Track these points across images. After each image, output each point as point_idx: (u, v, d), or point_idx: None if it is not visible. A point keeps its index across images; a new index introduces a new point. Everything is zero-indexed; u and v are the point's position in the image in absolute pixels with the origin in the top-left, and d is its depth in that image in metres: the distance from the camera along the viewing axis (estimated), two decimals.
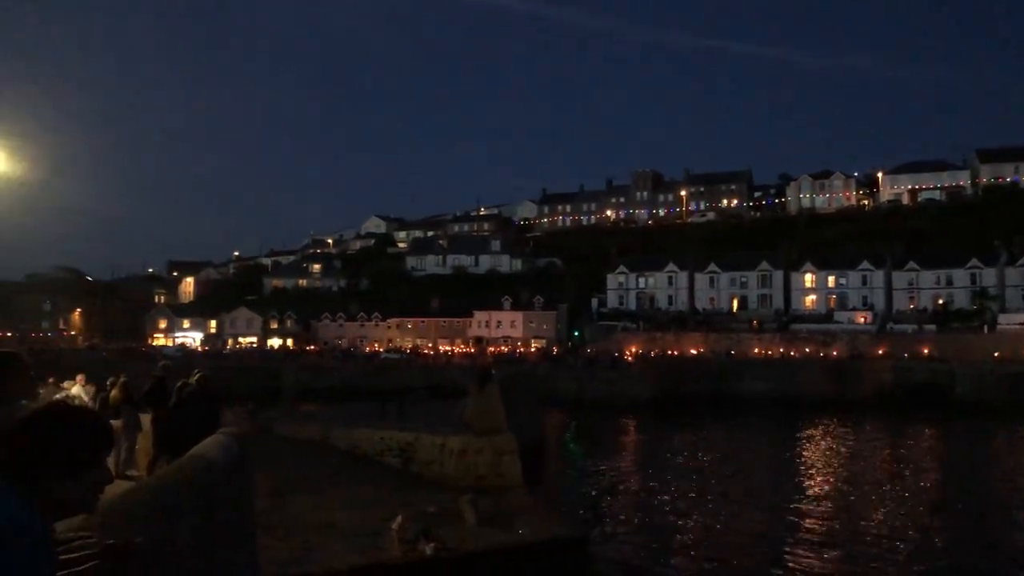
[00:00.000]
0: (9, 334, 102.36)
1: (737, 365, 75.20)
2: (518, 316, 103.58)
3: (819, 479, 33.47)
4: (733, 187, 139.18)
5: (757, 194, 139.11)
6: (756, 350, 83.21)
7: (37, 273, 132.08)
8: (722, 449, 42.51)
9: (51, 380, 15.96)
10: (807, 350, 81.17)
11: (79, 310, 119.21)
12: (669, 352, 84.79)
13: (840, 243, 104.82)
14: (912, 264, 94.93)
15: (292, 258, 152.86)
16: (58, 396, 15.76)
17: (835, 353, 79.13)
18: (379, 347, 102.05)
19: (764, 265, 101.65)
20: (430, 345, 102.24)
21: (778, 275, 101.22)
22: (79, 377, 17.45)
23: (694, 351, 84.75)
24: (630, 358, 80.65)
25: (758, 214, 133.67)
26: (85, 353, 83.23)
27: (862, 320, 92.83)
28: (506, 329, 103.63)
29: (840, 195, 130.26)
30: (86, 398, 15.07)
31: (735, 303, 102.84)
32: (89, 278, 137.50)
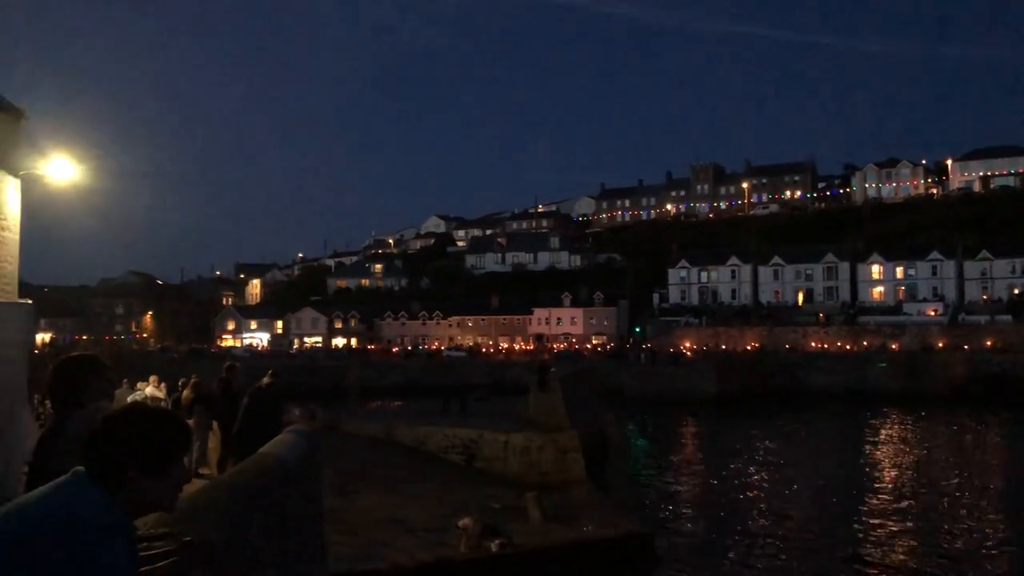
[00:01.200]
0: (85, 337, 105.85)
1: (803, 359, 73.82)
2: (578, 313, 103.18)
3: (890, 474, 32.64)
4: (796, 178, 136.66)
5: (821, 185, 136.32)
6: (823, 344, 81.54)
7: (110, 278, 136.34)
8: (789, 444, 41.75)
9: (125, 382, 16.43)
10: (876, 343, 79.23)
11: (150, 313, 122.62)
12: (733, 347, 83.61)
13: (908, 233, 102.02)
14: (985, 253, 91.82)
15: (355, 258, 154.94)
16: (133, 397, 16.24)
17: (905, 346, 77.08)
18: (440, 345, 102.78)
19: (830, 257, 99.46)
20: (490, 343, 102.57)
21: (844, 267, 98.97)
22: (152, 378, 17.94)
23: (759, 346, 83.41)
24: (693, 354, 79.77)
25: (822, 205, 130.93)
26: (157, 355, 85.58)
27: (932, 312, 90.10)
28: (566, 326, 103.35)
29: (908, 184, 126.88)
30: (160, 397, 15.48)
31: (800, 296, 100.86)
32: (159, 282, 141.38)
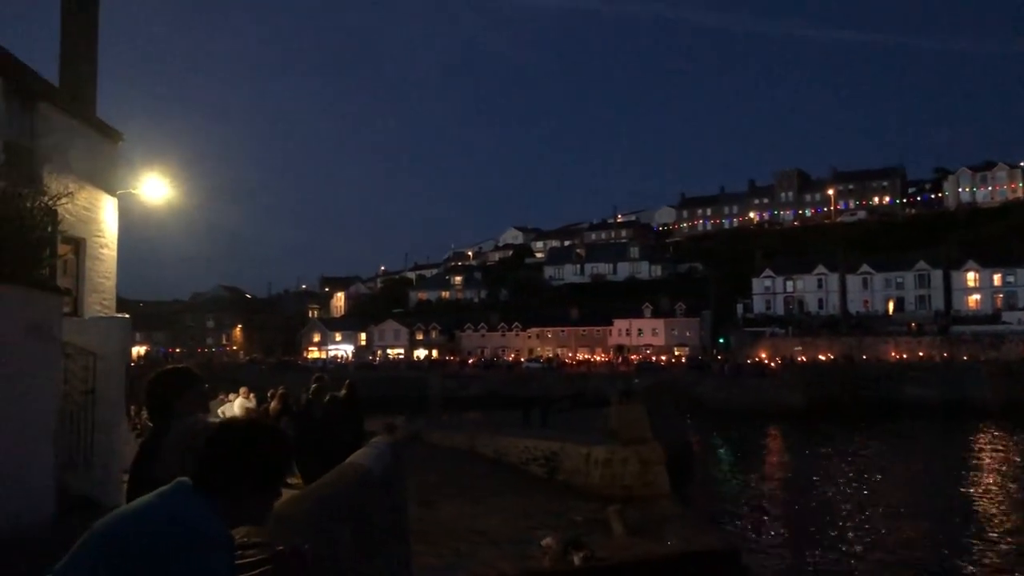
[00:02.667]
0: (178, 350, 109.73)
1: (895, 370, 71.19)
2: (660, 323, 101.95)
3: (990, 494, 31.08)
4: (884, 184, 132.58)
5: (911, 190, 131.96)
6: (915, 354, 78.61)
7: (202, 292, 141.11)
8: (881, 459, 40.27)
9: (222, 396, 16.90)
10: (972, 354, 75.92)
11: (240, 326, 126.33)
12: (821, 358, 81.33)
13: (1006, 238, 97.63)
14: None
15: (435, 271, 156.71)
16: (223, 408, 16.67)
17: (1004, 357, 73.60)
18: (519, 356, 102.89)
19: (921, 264, 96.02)
20: (570, 354, 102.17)
21: (937, 274, 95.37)
22: (242, 390, 18.42)
23: (847, 357, 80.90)
24: (779, 365, 77.91)
25: (913, 211, 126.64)
26: (246, 366, 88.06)
27: None
28: (647, 337, 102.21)
29: (1004, 187, 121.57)
30: (251, 408, 15.85)
31: (891, 305, 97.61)
32: (248, 295, 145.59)
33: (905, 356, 78.71)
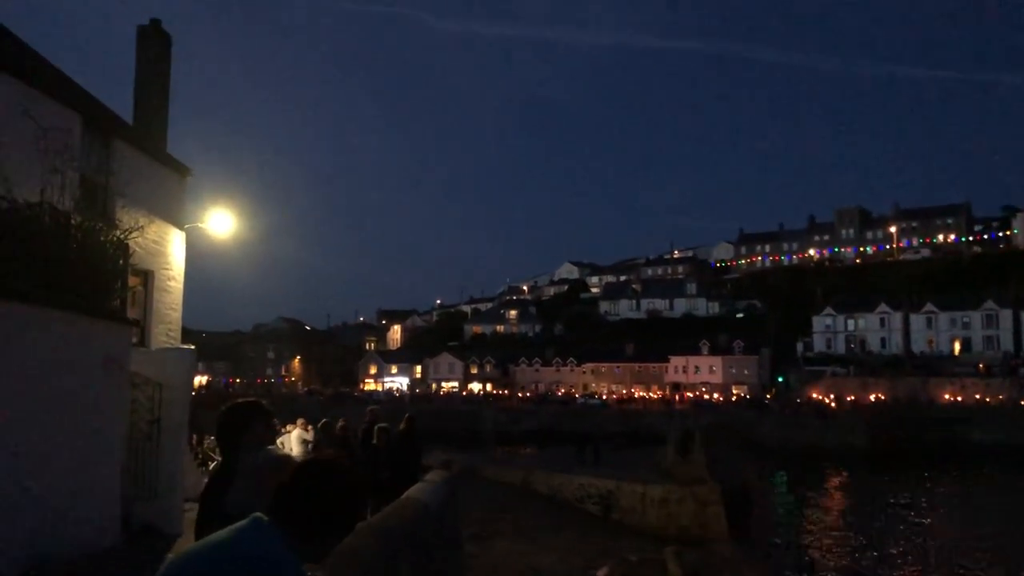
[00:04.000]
0: (238, 380, 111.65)
1: (962, 413, 68.81)
2: (717, 361, 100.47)
3: None
4: (950, 221, 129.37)
5: (977, 228, 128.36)
6: (983, 397, 76.00)
7: (262, 324, 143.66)
8: (949, 505, 38.88)
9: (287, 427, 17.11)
10: None
11: (298, 357, 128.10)
12: (883, 398, 79.16)
13: None
14: None
15: (490, 305, 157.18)
16: (281, 439, 16.87)
17: None
18: (574, 392, 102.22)
19: (989, 304, 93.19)
20: (623, 391, 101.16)
21: (1006, 314, 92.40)
22: (300, 421, 18.62)
23: (912, 397, 78.56)
24: (840, 405, 76.01)
25: (979, 249, 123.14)
26: (304, 397, 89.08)
27: None
28: (704, 375, 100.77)
29: None
30: (308, 440, 16.01)
31: (956, 345, 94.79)
32: (308, 327, 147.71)
33: (975, 398, 76.13)
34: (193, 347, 13.82)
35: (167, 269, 14.98)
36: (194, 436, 17.50)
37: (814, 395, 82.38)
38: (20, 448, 7.52)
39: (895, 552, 27.23)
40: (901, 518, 34.67)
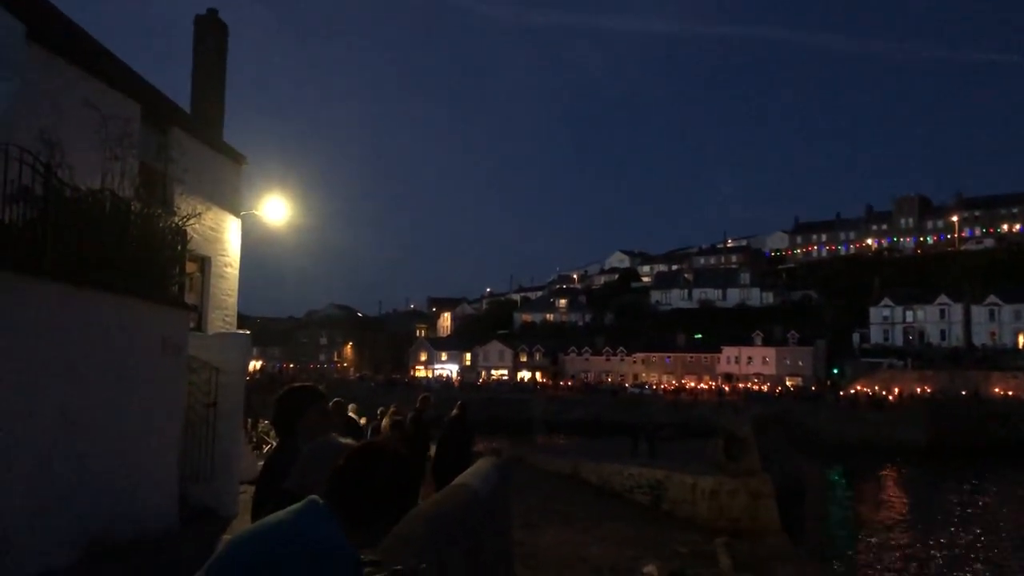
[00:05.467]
0: (291, 365, 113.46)
1: None
2: (771, 352, 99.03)
3: None
4: (1015, 210, 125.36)
5: None
6: None
7: (316, 310, 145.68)
8: (1010, 504, 37.83)
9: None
10: None
11: (350, 343, 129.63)
12: (943, 393, 77.23)
13: None
14: None
15: (540, 293, 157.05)
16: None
17: None
18: (624, 381, 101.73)
19: None
20: (674, 381, 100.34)
21: None
22: (351, 406, 18.82)
23: (973, 392, 76.52)
24: (897, 398, 74.42)
25: None
26: (356, 383, 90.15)
27: None
28: (758, 366, 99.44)
29: None
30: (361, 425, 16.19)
31: (1020, 339, 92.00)
32: (360, 314, 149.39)
33: None
34: (248, 332, 14.04)
35: (223, 255, 15.23)
36: (249, 420, 17.82)
37: (859, 387, 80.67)
38: (82, 431, 7.71)
39: (951, 550, 26.60)
40: (959, 514, 33.84)
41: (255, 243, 17.67)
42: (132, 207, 9.13)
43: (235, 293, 15.81)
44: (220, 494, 11.36)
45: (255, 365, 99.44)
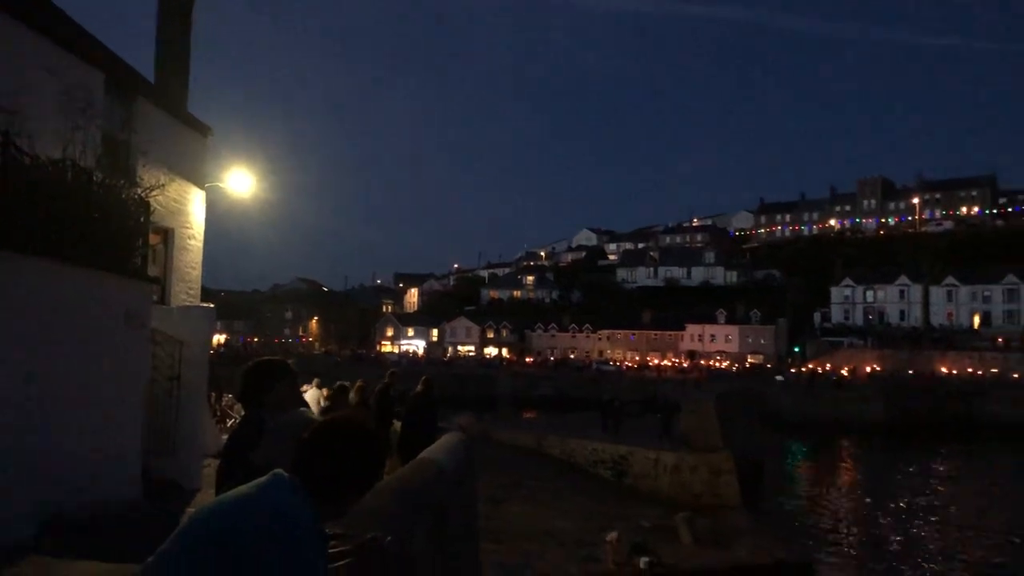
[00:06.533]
0: (256, 339, 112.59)
1: (981, 387, 68.42)
2: (733, 330, 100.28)
3: None
4: (974, 193, 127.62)
5: (1002, 200, 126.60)
6: (1003, 371, 75.47)
7: (281, 284, 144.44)
8: (963, 479, 38.80)
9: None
10: None
11: (316, 318, 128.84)
12: (901, 371, 78.78)
13: None
14: None
15: (507, 270, 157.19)
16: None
17: None
18: (590, 358, 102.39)
19: (1011, 278, 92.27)
20: (638, 358, 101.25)
21: None
22: (315, 380, 18.76)
23: (930, 371, 78.16)
24: (856, 376, 75.77)
25: (1003, 222, 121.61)
26: (321, 358, 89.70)
27: None
28: (720, 343, 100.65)
29: None
30: (322, 401, 16.15)
31: (976, 319, 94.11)
32: (325, 288, 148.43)
33: (993, 372, 75.61)
34: (212, 306, 13.91)
35: (187, 228, 15.04)
36: (213, 394, 17.70)
37: (832, 366, 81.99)
38: (43, 403, 7.63)
39: (907, 524, 27.27)
40: (915, 490, 34.67)
41: (220, 216, 17.48)
42: (94, 177, 8.97)
43: (199, 266, 15.62)
44: (183, 467, 11.30)
45: (219, 339, 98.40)
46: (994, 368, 76.80)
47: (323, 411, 15.17)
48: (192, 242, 15.35)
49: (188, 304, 14.33)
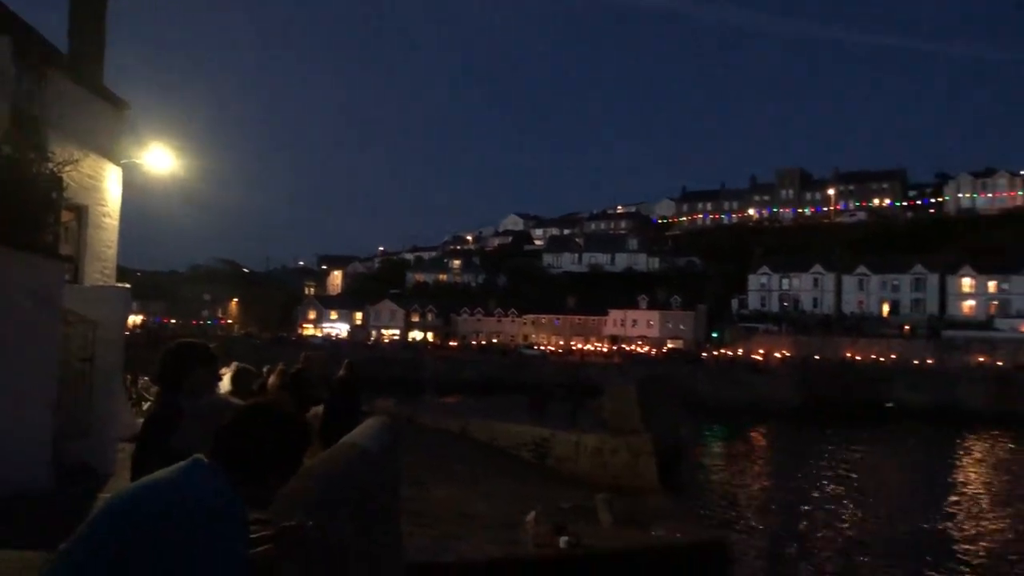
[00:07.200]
0: (173, 320, 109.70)
1: (888, 373, 71.37)
2: (655, 316, 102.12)
3: (973, 499, 31.25)
4: (885, 186, 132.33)
5: (912, 193, 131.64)
6: (908, 357, 78.81)
7: (200, 265, 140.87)
8: (870, 462, 40.46)
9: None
10: (963, 359, 76.22)
11: (236, 300, 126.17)
12: (814, 357, 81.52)
13: (1004, 246, 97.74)
14: None
15: (433, 254, 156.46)
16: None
17: (997, 363, 73.88)
18: (515, 342, 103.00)
19: (918, 268, 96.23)
20: (561, 342, 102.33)
21: (933, 279, 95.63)
22: (233, 364, 18.40)
23: (841, 357, 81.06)
24: (771, 361, 78.10)
25: (912, 215, 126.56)
26: (241, 341, 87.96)
27: None
28: (642, 328, 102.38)
29: (1004, 195, 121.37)
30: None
31: (885, 307, 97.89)
32: (246, 270, 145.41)
33: (900, 358, 78.80)
34: (128, 286, 13.55)
35: (102, 205, 14.55)
36: (128, 376, 17.23)
37: (749, 351, 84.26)
38: None
39: (819, 503, 28.32)
40: (826, 471, 35.99)
41: (137, 193, 16.93)
42: (1, 151, 8.62)
43: (115, 245, 15.15)
44: (97, 451, 11.00)
45: (135, 320, 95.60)
46: (901, 354, 79.96)
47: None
48: (107, 220, 14.86)
49: (102, 284, 13.90)
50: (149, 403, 17.22)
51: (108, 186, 14.71)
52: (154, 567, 1.94)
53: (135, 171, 16.30)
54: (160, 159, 16.55)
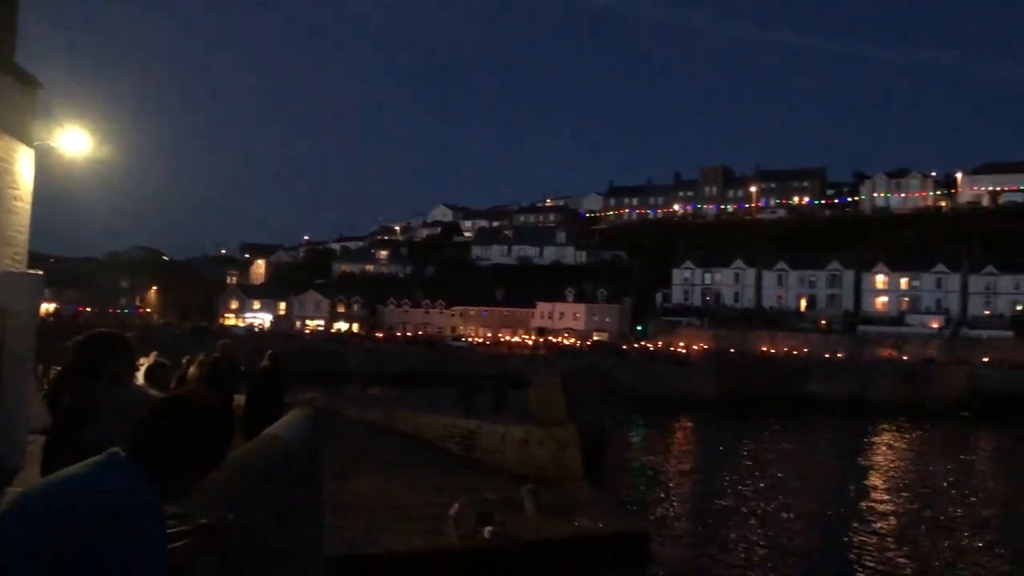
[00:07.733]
0: (89, 309, 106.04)
1: (804, 366, 73.67)
2: (581, 308, 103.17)
3: (883, 485, 32.68)
4: (805, 184, 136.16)
5: (830, 192, 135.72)
6: (823, 351, 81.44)
7: (117, 252, 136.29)
8: (786, 451, 41.77)
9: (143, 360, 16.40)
10: (876, 353, 79.18)
11: (155, 288, 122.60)
12: (734, 350, 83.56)
13: (915, 245, 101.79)
14: (990, 268, 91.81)
15: (360, 244, 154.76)
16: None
17: (906, 357, 76.99)
18: (443, 334, 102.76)
19: (835, 265, 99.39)
20: (489, 334, 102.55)
21: (849, 275, 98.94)
22: (153, 354, 17.92)
23: (760, 350, 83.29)
24: (693, 354, 79.75)
25: (830, 213, 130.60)
26: (160, 330, 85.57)
27: (935, 324, 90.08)
28: (569, 321, 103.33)
29: (916, 195, 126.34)
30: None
31: (803, 302, 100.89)
32: (165, 257, 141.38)
33: (816, 352, 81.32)
34: (40, 272, 13.03)
35: (13, 188, 13.95)
36: (40, 366, 16.64)
37: (672, 344, 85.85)
38: None
39: (736, 494, 29.08)
40: (743, 462, 36.97)
41: (52, 177, 16.31)
42: None
43: (26, 230, 14.54)
44: (5, 445, 10.59)
45: (48, 308, 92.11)
46: (817, 348, 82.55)
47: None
48: (18, 203, 14.26)
49: (13, 270, 13.36)
50: (65, 395, 16.68)
51: (19, 168, 14.11)
52: (67, 566, 1.89)
53: (50, 154, 15.71)
54: (77, 142, 15.96)
